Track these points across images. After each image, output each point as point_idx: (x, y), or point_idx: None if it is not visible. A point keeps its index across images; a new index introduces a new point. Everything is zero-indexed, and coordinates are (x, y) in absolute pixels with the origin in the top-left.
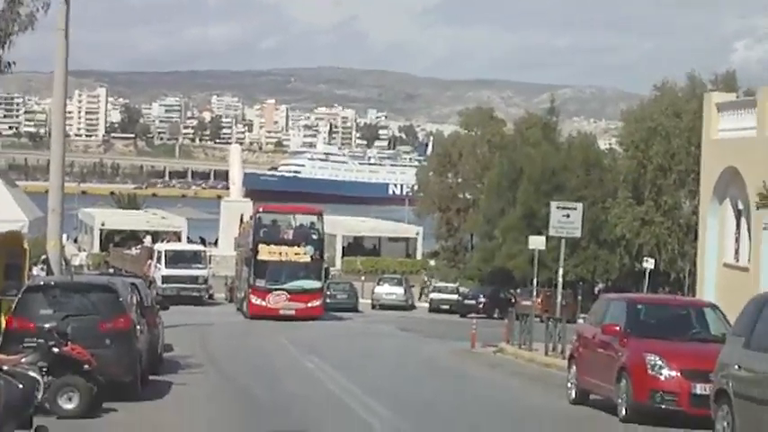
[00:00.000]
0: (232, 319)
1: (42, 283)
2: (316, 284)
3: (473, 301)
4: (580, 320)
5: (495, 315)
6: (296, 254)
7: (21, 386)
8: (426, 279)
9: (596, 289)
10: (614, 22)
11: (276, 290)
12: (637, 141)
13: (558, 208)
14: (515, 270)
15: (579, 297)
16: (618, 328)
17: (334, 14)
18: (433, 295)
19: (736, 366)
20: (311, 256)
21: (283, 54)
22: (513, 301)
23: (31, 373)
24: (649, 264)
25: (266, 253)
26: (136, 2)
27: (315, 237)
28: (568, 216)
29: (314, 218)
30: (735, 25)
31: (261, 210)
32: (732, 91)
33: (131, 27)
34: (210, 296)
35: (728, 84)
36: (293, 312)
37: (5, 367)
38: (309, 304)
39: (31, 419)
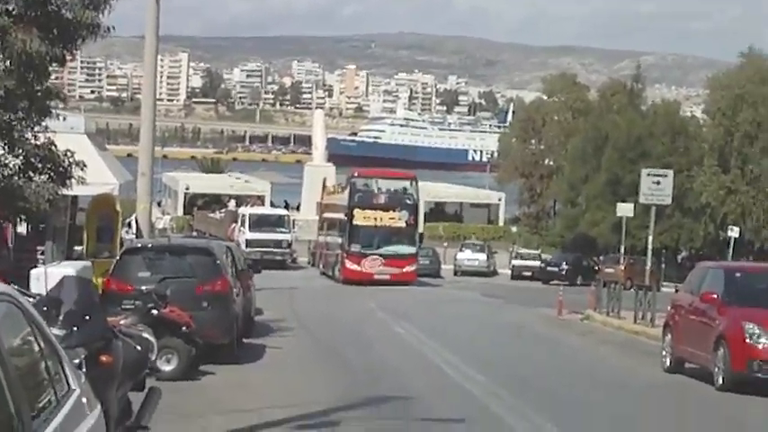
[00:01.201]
0: (316, 283)
1: (140, 245)
2: (410, 249)
3: (556, 269)
4: (664, 288)
5: (578, 282)
6: (391, 218)
7: (138, 348)
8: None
9: (680, 257)
10: None
11: (371, 254)
12: (723, 109)
13: (648, 175)
14: (598, 237)
15: (663, 265)
16: (716, 296)
17: None
18: (516, 262)
19: None
20: (406, 221)
21: (364, 20)
22: (597, 268)
23: (146, 335)
24: (734, 232)
25: (361, 218)
26: None
27: (409, 202)
28: (659, 183)
29: (408, 183)
30: None
31: (356, 174)
32: None
33: None
34: (294, 260)
35: None
36: (388, 277)
37: (123, 329)
38: (404, 269)
39: (143, 380)
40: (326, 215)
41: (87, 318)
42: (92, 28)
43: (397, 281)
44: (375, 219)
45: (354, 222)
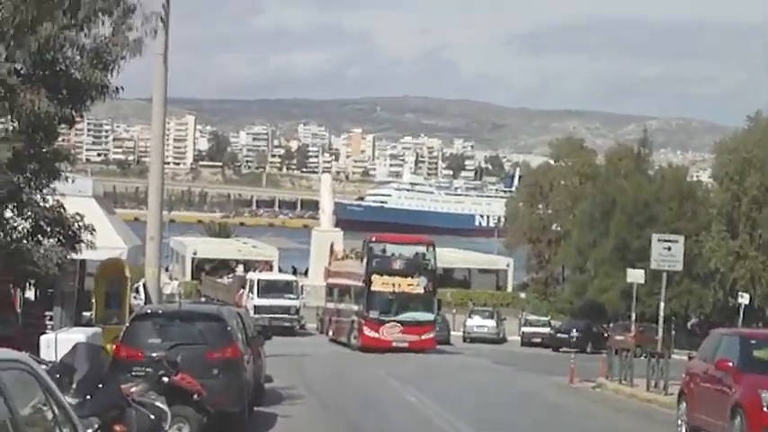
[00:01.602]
0: (325, 349)
1: (150, 311)
2: (429, 316)
3: (566, 335)
4: (675, 356)
5: (588, 350)
6: (409, 285)
7: (152, 417)
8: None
9: (689, 324)
10: (702, 53)
11: (389, 321)
12: (731, 173)
13: (659, 241)
14: (607, 303)
15: (673, 332)
16: (731, 363)
17: (422, 44)
18: (525, 329)
19: None
20: (424, 288)
21: (370, 83)
22: (606, 335)
23: (159, 404)
24: (744, 299)
25: (380, 284)
26: (224, 29)
27: (427, 267)
28: (670, 249)
29: (426, 248)
30: None
31: (374, 239)
32: None
33: (219, 53)
34: (302, 326)
35: None
36: (407, 345)
37: (136, 397)
38: (422, 336)
39: None
40: (336, 281)
41: (101, 386)
42: (100, 88)
43: (416, 348)
44: (393, 285)
45: (373, 288)
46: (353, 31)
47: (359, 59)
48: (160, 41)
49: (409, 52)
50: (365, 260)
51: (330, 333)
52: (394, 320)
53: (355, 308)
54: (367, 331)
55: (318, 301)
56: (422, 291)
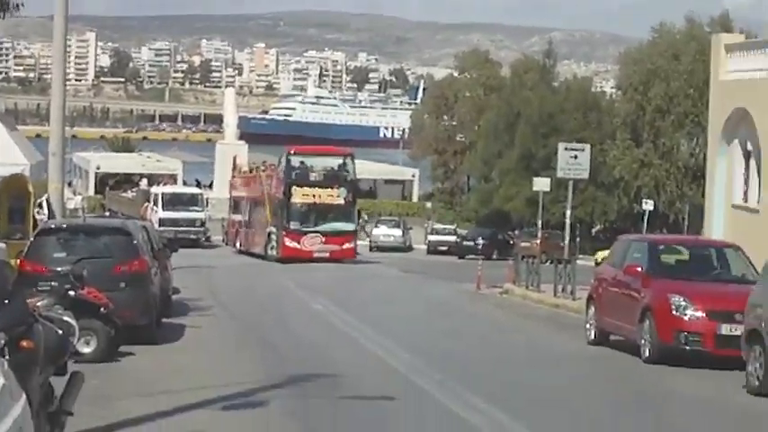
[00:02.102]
0: (232, 261)
1: (54, 225)
2: (349, 227)
3: (472, 243)
4: (579, 261)
5: (495, 257)
6: (329, 196)
7: (59, 332)
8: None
9: (594, 230)
10: None
11: (310, 232)
12: (635, 84)
13: (565, 149)
14: (513, 212)
15: (578, 239)
16: (640, 269)
17: None
18: (432, 237)
19: None
20: (344, 198)
21: None
22: (512, 242)
23: (66, 318)
24: (648, 205)
25: (300, 195)
26: None
27: (347, 179)
28: (576, 157)
29: (345, 159)
30: None
31: (292, 152)
32: (728, 32)
33: None
34: (208, 239)
35: (725, 26)
36: (327, 255)
37: (43, 312)
38: (343, 246)
39: (65, 365)
40: (245, 193)
41: (6, 302)
42: (0, 5)
43: (337, 258)
44: (314, 196)
45: (293, 200)
46: None
47: None
48: None
49: None
50: (283, 172)
51: (238, 245)
52: (315, 231)
53: (271, 219)
54: (288, 242)
55: (224, 213)
56: (342, 201)
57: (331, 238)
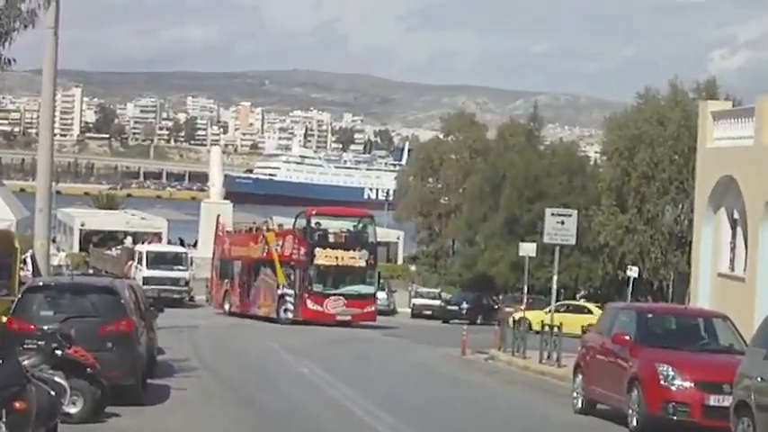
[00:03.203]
0: (217, 321)
1: (42, 283)
2: (370, 289)
3: (456, 307)
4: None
5: (479, 321)
6: (351, 258)
7: (52, 393)
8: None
9: (578, 296)
10: (589, 29)
11: (333, 295)
12: (621, 149)
13: (552, 215)
14: (497, 276)
15: None
16: (628, 337)
17: (315, 18)
18: (416, 300)
19: (759, 378)
20: (366, 261)
21: (260, 57)
22: (497, 307)
23: (58, 380)
24: (633, 272)
25: (322, 257)
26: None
27: (368, 240)
28: (563, 223)
29: (365, 221)
30: (712, 35)
31: (314, 212)
32: (714, 99)
33: (108, 26)
34: (192, 298)
35: (710, 92)
36: (349, 318)
37: (36, 373)
38: (365, 309)
39: (56, 426)
40: (240, 253)
41: (0, 361)
42: None
43: (358, 321)
44: (336, 258)
45: (316, 262)
46: (246, 5)
47: (250, 33)
48: (51, 13)
49: (301, 26)
50: (304, 233)
51: (227, 306)
52: (337, 294)
53: (283, 280)
54: (310, 305)
55: (207, 272)
56: (363, 264)
57: (353, 301)
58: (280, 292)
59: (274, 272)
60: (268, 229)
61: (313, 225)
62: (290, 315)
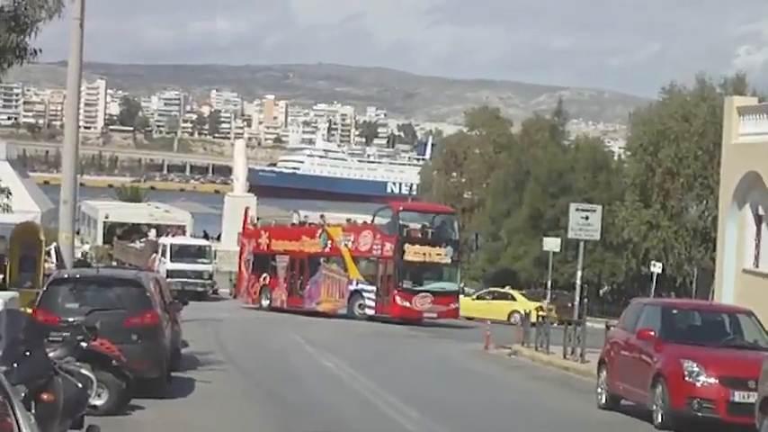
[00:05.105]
0: (240, 315)
1: (67, 275)
2: (455, 286)
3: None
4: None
5: None
6: (437, 254)
7: (79, 385)
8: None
9: (601, 291)
10: (614, 25)
11: (421, 292)
12: (645, 145)
13: (577, 210)
14: (520, 271)
15: (585, 299)
16: (653, 333)
17: (341, 12)
18: None
19: None
20: (451, 257)
21: (285, 50)
22: None
23: (84, 372)
24: (657, 267)
25: (412, 253)
26: None
27: (453, 237)
28: (587, 218)
29: (451, 218)
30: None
31: (402, 208)
32: (741, 95)
33: (134, 18)
34: (215, 291)
35: (738, 88)
36: (435, 315)
37: (63, 365)
38: (449, 306)
39: (82, 418)
40: (290, 247)
41: (28, 353)
42: (18, 51)
43: (443, 319)
44: (424, 254)
45: (406, 258)
46: None
47: (277, 27)
48: (77, 4)
49: (327, 20)
50: (393, 229)
51: (266, 302)
52: (425, 290)
53: (358, 276)
54: (399, 301)
55: (231, 266)
56: (449, 260)
57: (439, 297)
58: (353, 287)
59: (343, 267)
60: (323, 223)
61: (401, 221)
62: (368, 311)
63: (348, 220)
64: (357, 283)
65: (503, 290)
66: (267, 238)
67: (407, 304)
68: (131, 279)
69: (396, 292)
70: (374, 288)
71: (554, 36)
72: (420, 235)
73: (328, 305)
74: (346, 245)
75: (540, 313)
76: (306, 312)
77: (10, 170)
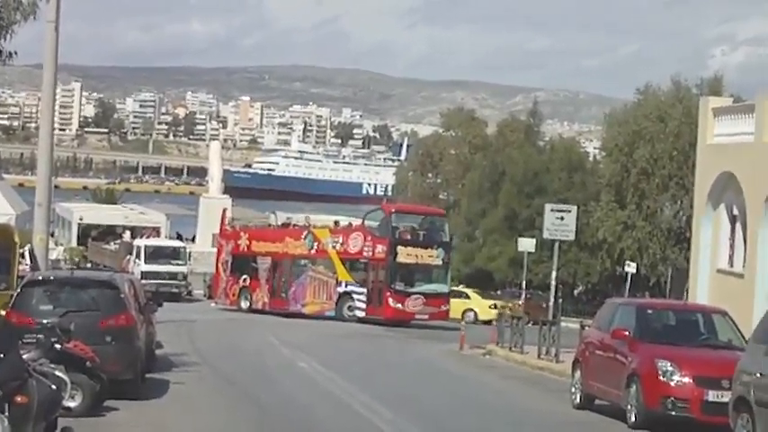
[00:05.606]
0: (214, 316)
1: (42, 277)
2: (445, 288)
3: None
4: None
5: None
6: (429, 256)
7: (53, 387)
8: None
9: (576, 292)
10: (588, 26)
11: (414, 293)
12: (620, 145)
13: (552, 210)
14: (496, 272)
15: (560, 299)
16: (627, 333)
17: (317, 14)
18: None
19: (758, 374)
20: (442, 259)
21: (260, 52)
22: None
23: (59, 374)
24: (631, 268)
25: (404, 255)
26: None
27: (443, 239)
28: (562, 219)
29: (442, 220)
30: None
31: (394, 210)
32: (718, 95)
33: (110, 20)
34: (189, 293)
35: (714, 89)
36: (426, 317)
37: (37, 367)
38: (441, 308)
39: (56, 421)
40: (273, 249)
41: (1, 356)
42: None
43: (434, 321)
44: (416, 256)
45: (398, 260)
46: (250, 1)
47: (253, 28)
48: (52, 7)
49: (303, 22)
50: (384, 230)
51: (245, 304)
52: (417, 292)
53: (347, 278)
54: (392, 303)
55: (206, 267)
56: (440, 262)
57: (430, 299)
58: (342, 289)
59: (331, 269)
60: (308, 225)
61: (394, 222)
62: (358, 313)
63: (336, 223)
64: (346, 285)
65: (456, 288)
66: (247, 240)
67: (400, 306)
68: (106, 281)
69: (388, 293)
70: (364, 290)
71: (529, 37)
72: (412, 237)
73: (315, 307)
74: (334, 246)
75: (494, 311)
76: (290, 314)
77: None
